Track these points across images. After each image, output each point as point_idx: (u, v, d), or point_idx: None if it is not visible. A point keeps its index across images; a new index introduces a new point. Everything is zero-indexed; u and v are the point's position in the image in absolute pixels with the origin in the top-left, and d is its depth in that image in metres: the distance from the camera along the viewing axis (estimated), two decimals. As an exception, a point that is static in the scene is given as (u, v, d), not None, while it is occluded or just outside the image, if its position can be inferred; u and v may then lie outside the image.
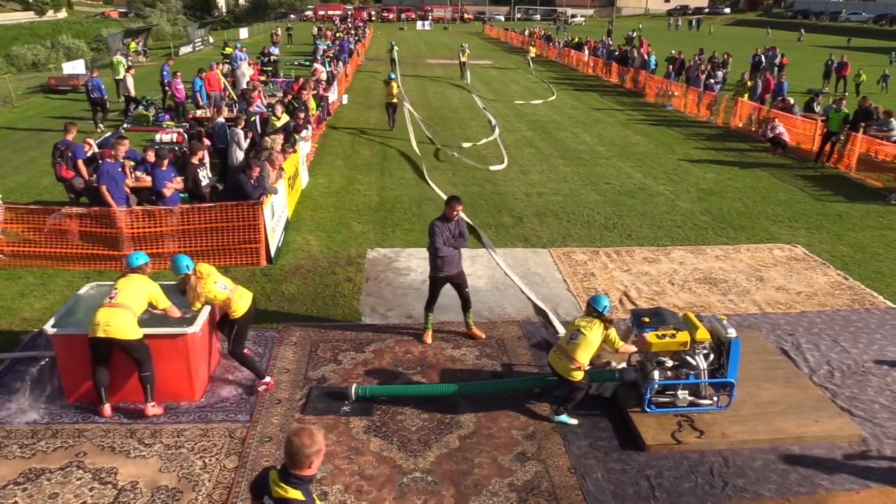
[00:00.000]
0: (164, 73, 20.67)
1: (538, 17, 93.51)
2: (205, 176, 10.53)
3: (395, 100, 19.11)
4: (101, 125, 18.89)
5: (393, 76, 19.24)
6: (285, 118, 14.00)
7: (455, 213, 7.16)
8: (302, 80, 19.70)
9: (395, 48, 37.73)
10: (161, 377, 6.25)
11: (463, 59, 31.99)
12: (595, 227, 11.62)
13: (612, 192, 13.74)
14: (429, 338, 7.66)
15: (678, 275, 9.63)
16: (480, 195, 13.25)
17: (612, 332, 6.10)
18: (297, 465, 3.25)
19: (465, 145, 17.69)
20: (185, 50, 42.41)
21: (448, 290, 8.98)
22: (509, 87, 29.82)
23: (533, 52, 41.67)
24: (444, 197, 12.61)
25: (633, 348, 6.31)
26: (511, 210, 12.38)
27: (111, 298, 6.04)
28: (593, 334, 6.04)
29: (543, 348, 7.56)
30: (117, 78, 24.09)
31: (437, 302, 7.63)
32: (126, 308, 5.96)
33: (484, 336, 7.73)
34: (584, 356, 6.04)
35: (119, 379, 6.24)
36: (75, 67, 29.94)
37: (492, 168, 15.36)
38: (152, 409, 6.18)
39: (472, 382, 6.78)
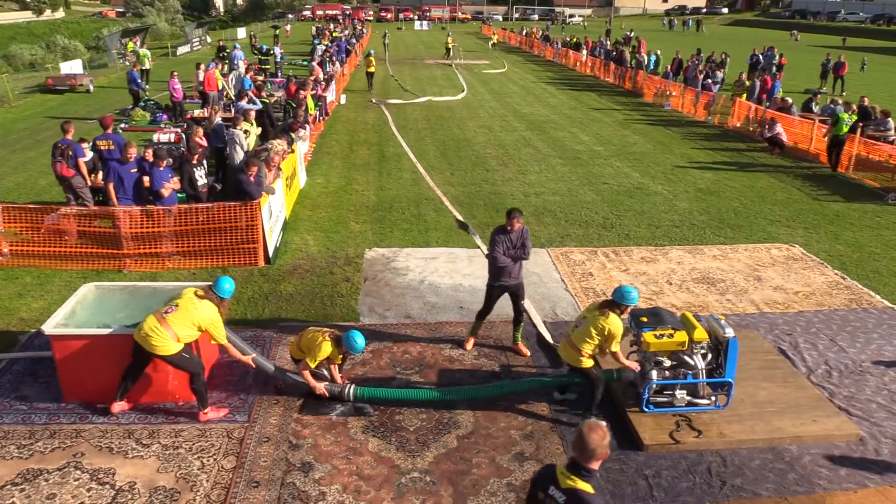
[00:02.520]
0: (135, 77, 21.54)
1: (536, 16, 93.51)
2: (201, 176, 10.50)
3: (372, 69, 27.08)
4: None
5: (372, 52, 28.21)
6: (256, 131, 13.64)
7: (513, 225, 6.93)
8: (296, 79, 19.74)
9: (388, 35, 46.70)
10: (159, 378, 6.25)
11: (449, 46, 41.36)
12: (593, 226, 11.63)
13: (609, 191, 13.75)
14: (469, 345, 7.50)
15: (676, 274, 9.64)
16: (478, 195, 13.25)
17: (616, 330, 5.87)
18: (590, 458, 3.41)
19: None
20: (182, 50, 42.39)
21: (449, 292, 8.99)
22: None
23: (495, 38, 50.60)
24: (410, 152, 12.94)
25: (631, 364, 6.19)
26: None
27: (166, 313, 5.88)
28: (597, 324, 5.86)
29: (542, 347, 7.57)
30: (144, 69, 26.36)
31: (490, 312, 7.41)
32: (169, 331, 5.82)
33: (529, 354, 7.42)
34: (588, 346, 5.92)
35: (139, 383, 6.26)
36: (73, 67, 29.91)
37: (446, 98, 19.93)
38: (205, 415, 6.15)
39: (472, 387, 6.66)
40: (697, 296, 8.97)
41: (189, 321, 5.89)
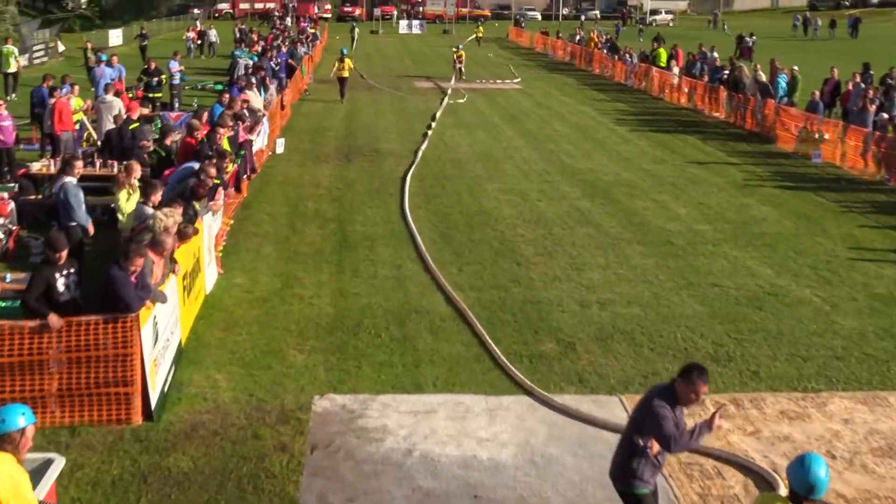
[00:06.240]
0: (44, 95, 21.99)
1: (597, 13, 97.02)
2: (69, 284, 10.05)
3: (346, 73, 34.90)
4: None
5: (345, 51, 37.36)
6: (133, 199, 13.50)
7: (699, 396, 6.79)
8: (206, 113, 20.31)
9: (357, 30, 64.91)
10: None
11: (459, 66, 45.36)
12: (697, 358, 11.62)
13: (723, 299, 13.87)
14: None
15: (842, 441, 9.59)
16: (503, 305, 13.35)
17: None
18: None
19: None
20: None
21: (455, 470, 8.93)
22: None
23: (480, 32, 71.97)
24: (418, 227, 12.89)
25: None
26: (556, 330, 12.45)
27: None
28: None
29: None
30: (7, 72, 28.51)
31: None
32: None
33: None
34: None
35: None
36: None
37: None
38: None
39: None
40: (882, 479, 8.90)
41: None
